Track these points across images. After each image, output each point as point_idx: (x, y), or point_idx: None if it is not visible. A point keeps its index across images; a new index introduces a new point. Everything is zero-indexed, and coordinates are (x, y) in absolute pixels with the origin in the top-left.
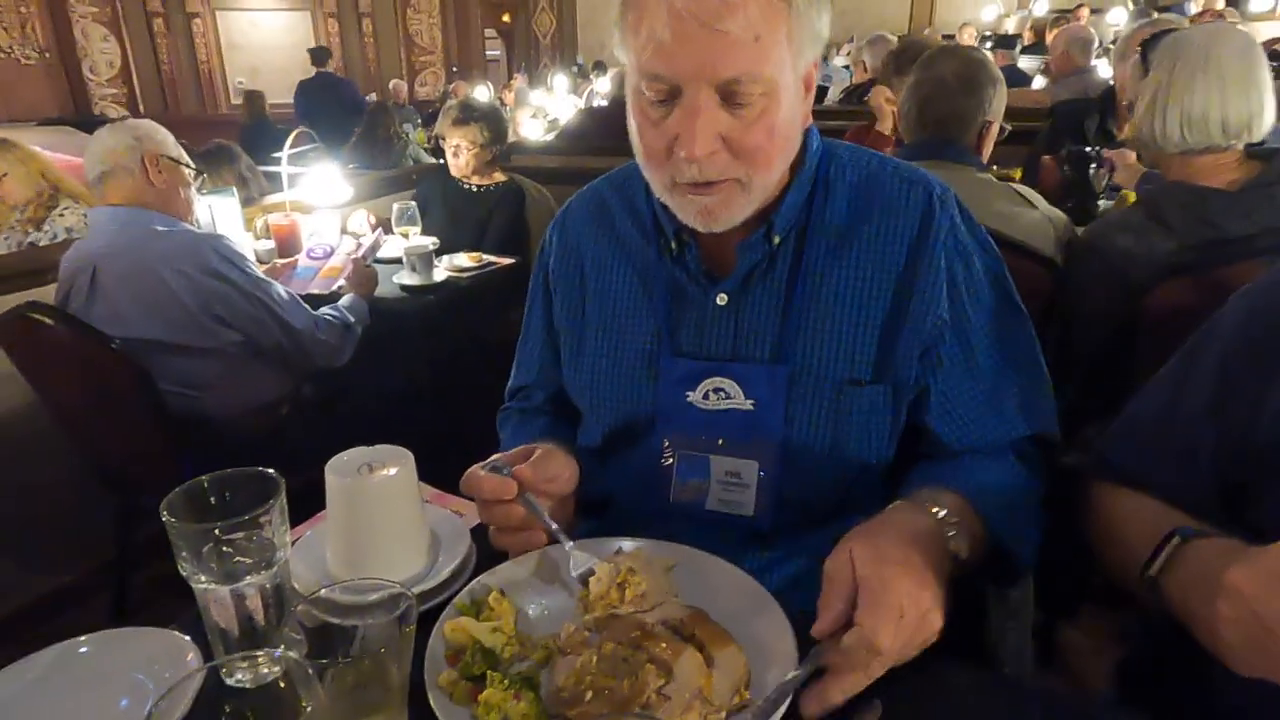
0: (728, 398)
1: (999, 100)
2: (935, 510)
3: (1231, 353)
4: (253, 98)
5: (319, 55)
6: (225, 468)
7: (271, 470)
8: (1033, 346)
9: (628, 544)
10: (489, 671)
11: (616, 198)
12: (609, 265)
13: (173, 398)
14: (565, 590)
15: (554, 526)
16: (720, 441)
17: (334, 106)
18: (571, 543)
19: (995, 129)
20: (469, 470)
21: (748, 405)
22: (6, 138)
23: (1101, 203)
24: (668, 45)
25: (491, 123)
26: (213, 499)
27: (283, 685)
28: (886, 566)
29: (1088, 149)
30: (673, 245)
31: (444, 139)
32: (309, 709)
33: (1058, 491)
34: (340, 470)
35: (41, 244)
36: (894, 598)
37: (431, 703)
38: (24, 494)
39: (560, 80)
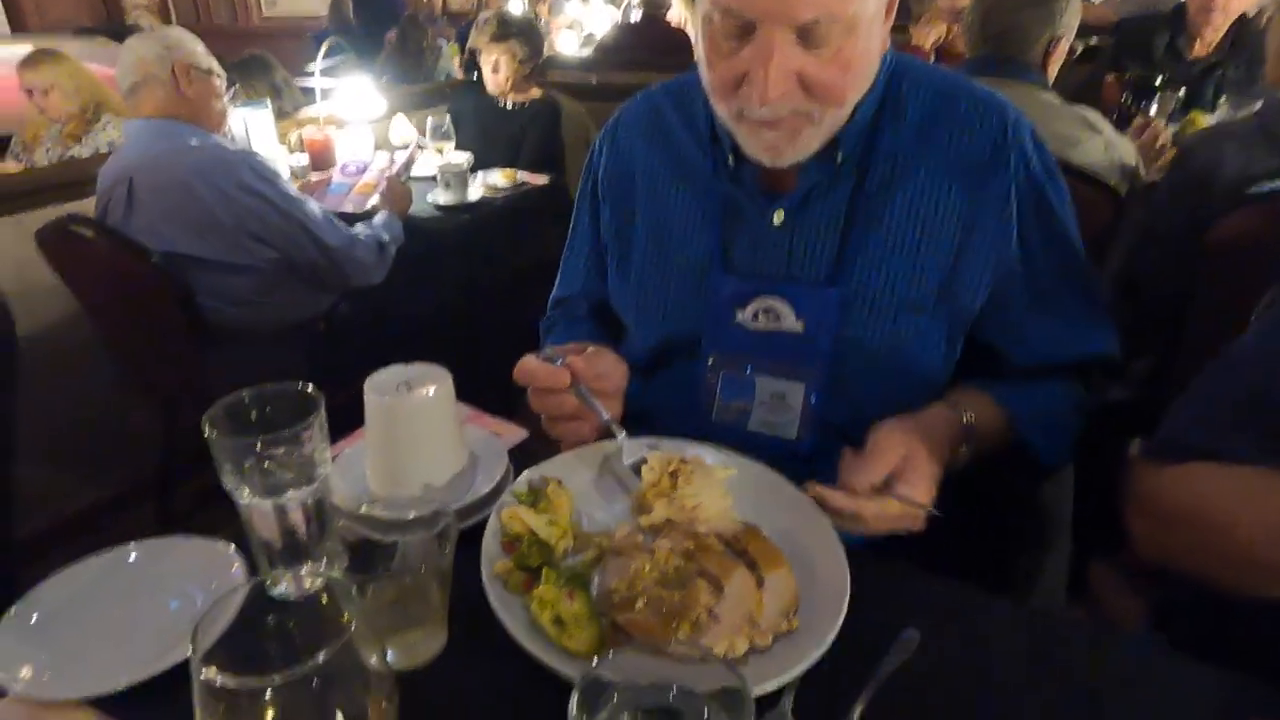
0: (777, 319)
1: (1071, 14)
2: (953, 400)
3: None
4: None
5: None
6: (261, 383)
7: (311, 386)
8: (1093, 272)
9: (688, 449)
10: (545, 568)
11: (673, 108)
12: (662, 177)
13: (211, 313)
14: (622, 489)
15: (607, 416)
16: (767, 362)
17: (371, 11)
18: (624, 433)
19: (1064, 46)
20: (523, 359)
21: (797, 327)
22: (57, 50)
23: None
24: None
25: (529, 37)
26: (254, 414)
27: (325, 599)
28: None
29: (1155, 81)
30: (730, 160)
31: (480, 54)
32: (351, 623)
33: (1104, 431)
34: (379, 388)
35: (83, 156)
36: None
37: (486, 590)
38: (74, 404)
39: None
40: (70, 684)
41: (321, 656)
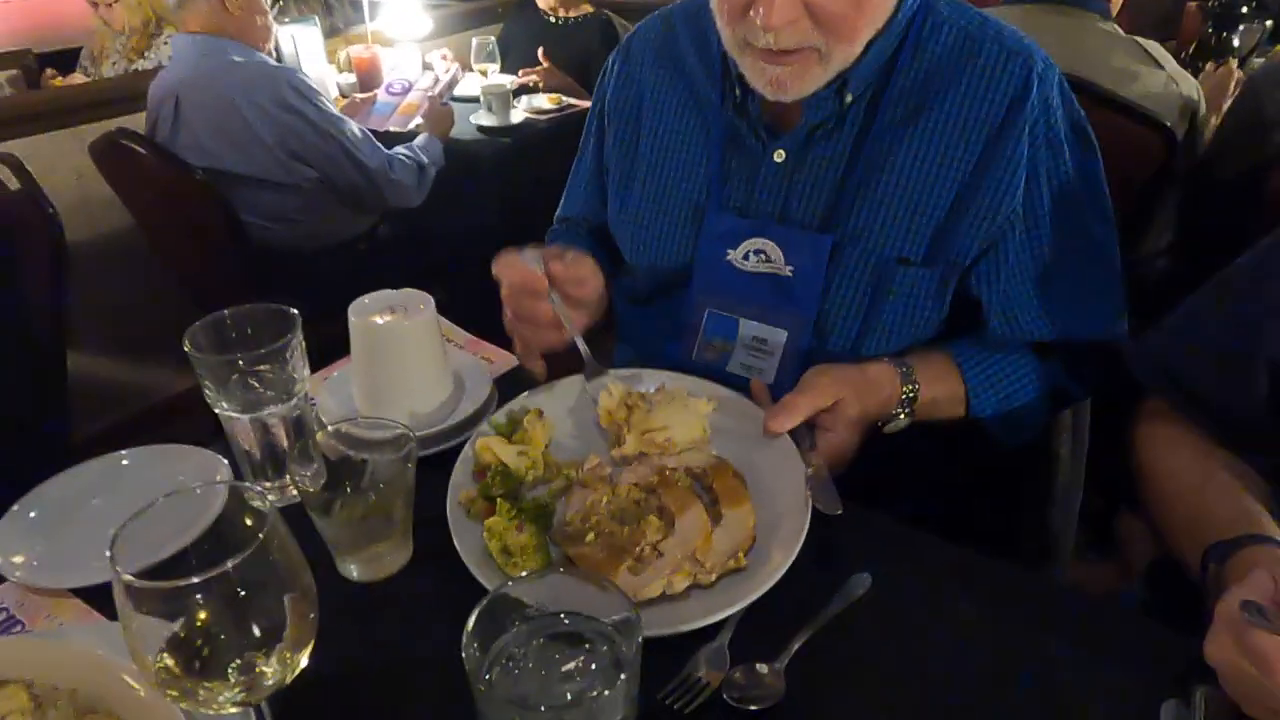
0: (767, 260)
1: None
2: (907, 364)
3: None
4: None
5: None
6: (304, 300)
7: (292, 308)
8: (1111, 248)
9: (670, 379)
10: (499, 499)
11: (687, 29)
12: (669, 101)
13: (254, 229)
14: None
15: (580, 339)
16: (753, 305)
17: None
18: (589, 354)
19: None
20: (504, 254)
21: (786, 271)
22: None
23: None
24: None
25: None
26: (234, 333)
27: (254, 517)
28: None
29: (1243, 7)
30: (736, 91)
31: None
32: (259, 533)
33: (1120, 380)
34: (360, 312)
35: (145, 70)
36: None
37: (448, 515)
38: (135, 310)
39: None
40: (56, 574)
41: (230, 564)
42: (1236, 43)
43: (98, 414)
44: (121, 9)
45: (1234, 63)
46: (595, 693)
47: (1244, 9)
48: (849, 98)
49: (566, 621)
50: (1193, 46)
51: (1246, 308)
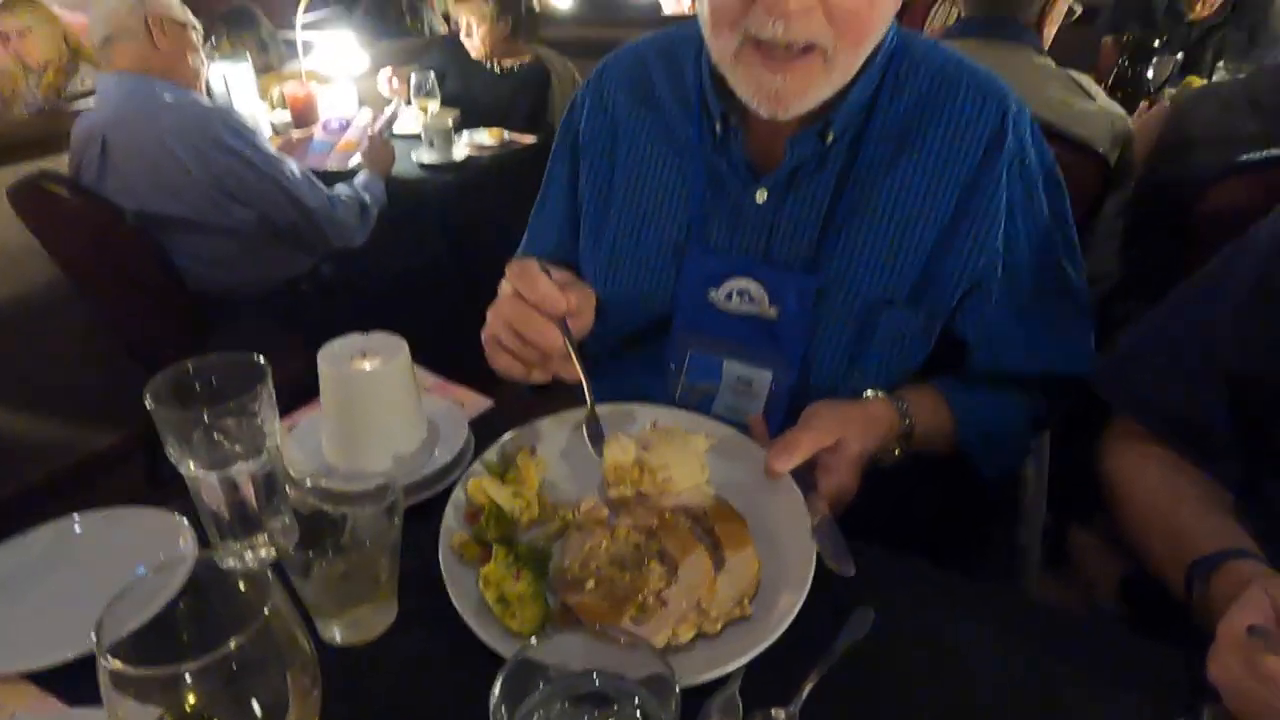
0: (751, 301)
1: None
2: (901, 397)
3: (1273, 266)
4: None
5: None
6: (246, 346)
7: (260, 356)
8: (1082, 284)
9: (664, 415)
10: (496, 545)
11: (661, 65)
12: (643, 138)
13: (191, 274)
14: (596, 459)
15: (583, 372)
16: (736, 346)
17: None
18: (592, 392)
19: (1061, 7)
20: (528, 263)
21: (771, 313)
22: None
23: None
24: None
25: None
26: (198, 385)
27: (252, 584)
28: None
29: (1154, 42)
30: (716, 128)
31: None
32: (265, 608)
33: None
34: (331, 359)
35: (61, 110)
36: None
37: (441, 563)
38: (62, 362)
39: None
40: (7, 657)
41: (232, 644)
42: (1150, 75)
43: (16, 474)
44: (35, 39)
45: (1165, 101)
46: None
47: (1155, 43)
48: (831, 137)
49: (597, 682)
50: (1110, 78)
51: (1200, 323)
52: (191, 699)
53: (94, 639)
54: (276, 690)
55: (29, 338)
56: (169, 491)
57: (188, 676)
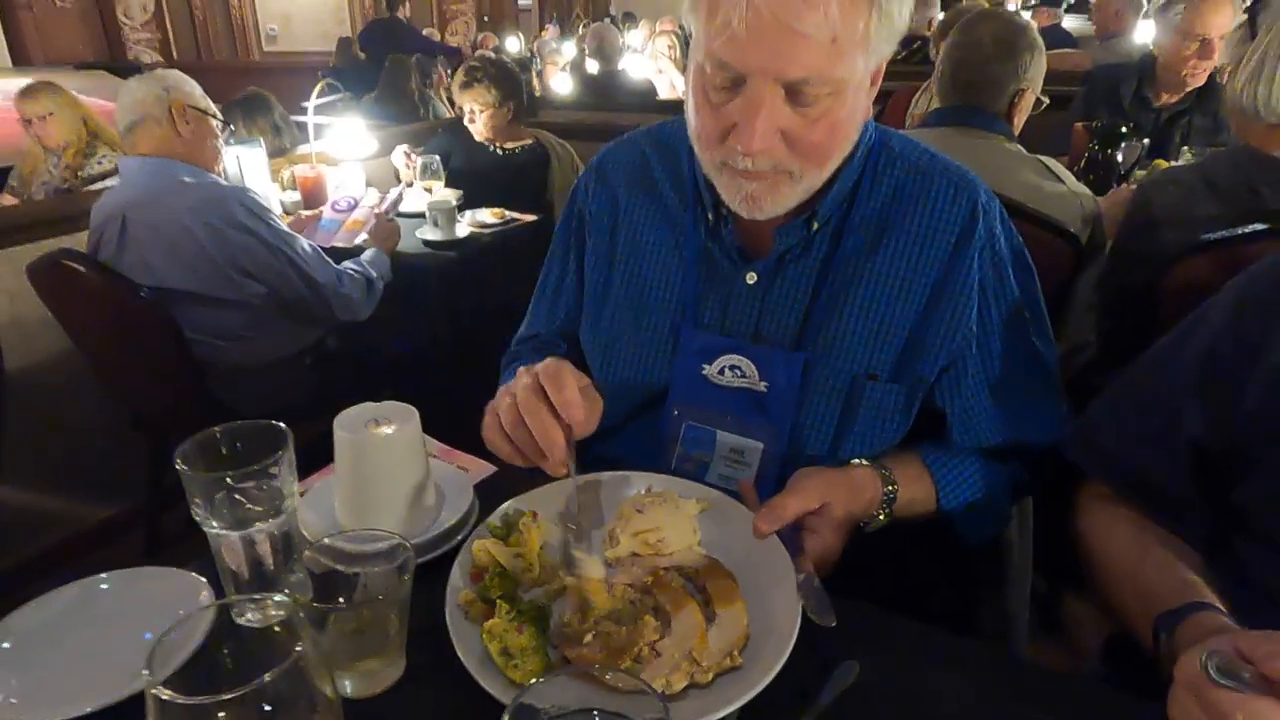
0: (742, 376)
1: (1036, 68)
2: (886, 465)
3: (1219, 339)
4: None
5: None
6: (251, 415)
7: (281, 423)
8: (1052, 360)
9: (659, 481)
10: (498, 600)
11: (658, 157)
12: (643, 223)
13: (200, 346)
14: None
15: (577, 479)
16: (729, 418)
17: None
18: (577, 502)
19: (1030, 98)
20: (562, 365)
21: (761, 388)
22: (53, 82)
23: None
24: (741, 37)
25: (499, 81)
26: (224, 449)
27: (286, 629)
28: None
29: (1123, 128)
30: (709, 217)
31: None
32: (298, 648)
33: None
34: (347, 425)
35: (79, 190)
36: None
37: (447, 618)
38: (65, 434)
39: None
40: (36, 710)
41: (267, 678)
42: (1120, 158)
43: (19, 544)
44: (56, 122)
45: (1133, 186)
46: None
47: (1124, 129)
48: (816, 225)
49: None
50: (1082, 162)
51: (1162, 388)
52: None
53: (145, 673)
54: None
55: (37, 410)
56: (167, 562)
57: (222, 711)
